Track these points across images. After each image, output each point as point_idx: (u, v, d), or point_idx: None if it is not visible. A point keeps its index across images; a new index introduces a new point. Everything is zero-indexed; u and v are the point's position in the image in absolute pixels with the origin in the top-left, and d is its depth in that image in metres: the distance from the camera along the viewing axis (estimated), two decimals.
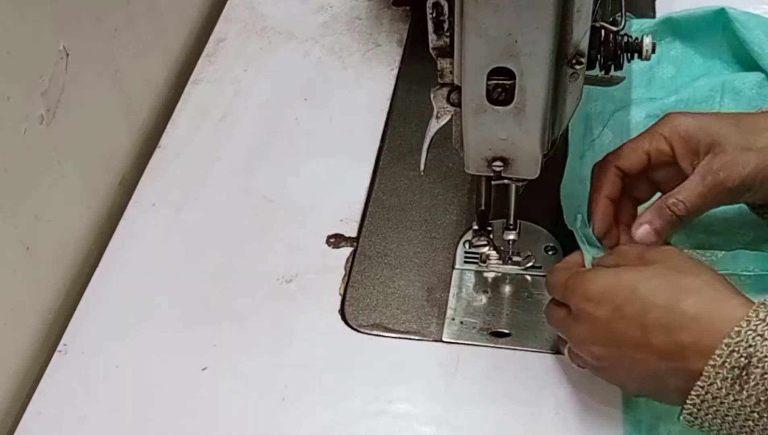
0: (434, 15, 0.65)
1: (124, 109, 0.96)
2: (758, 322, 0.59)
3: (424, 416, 0.74)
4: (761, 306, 0.60)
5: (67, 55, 0.83)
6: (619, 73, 0.78)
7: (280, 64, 1.04)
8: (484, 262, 0.83)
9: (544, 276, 0.81)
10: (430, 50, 0.67)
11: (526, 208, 0.79)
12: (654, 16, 1.03)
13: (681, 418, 0.62)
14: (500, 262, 0.83)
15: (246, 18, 1.10)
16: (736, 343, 0.59)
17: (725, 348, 0.59)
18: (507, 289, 0.82)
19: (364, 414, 0.74)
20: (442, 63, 0.68)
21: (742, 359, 0.58)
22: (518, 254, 0.82)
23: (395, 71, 1.03)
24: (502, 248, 0.82)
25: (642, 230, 0.71)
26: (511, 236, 0.80)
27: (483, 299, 0.81)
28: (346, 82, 1.02)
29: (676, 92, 0.93)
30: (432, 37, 0.66)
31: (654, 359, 0.62)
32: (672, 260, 0.65)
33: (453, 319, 0.80)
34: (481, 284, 0.82)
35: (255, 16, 1.11)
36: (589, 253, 0.72)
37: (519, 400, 0.74)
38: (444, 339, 0.79)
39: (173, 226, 0.89)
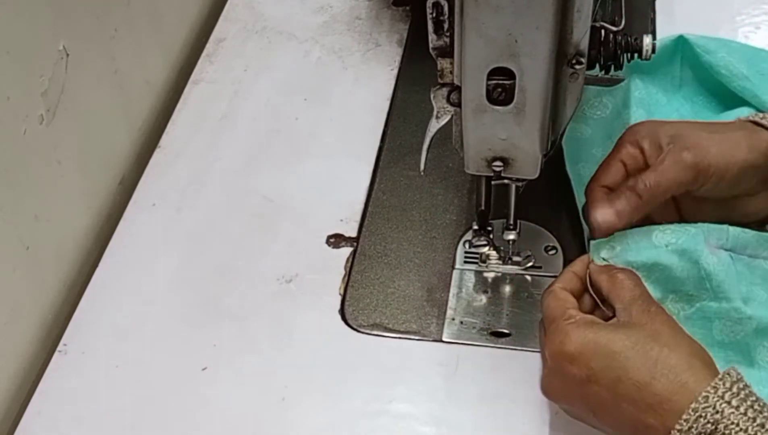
0: (434, 15, 0.65)
1: (124, 109, 0.96)
2: (725, 390, 0.60)
3: (424, 416, 0.74)
4: (727, 375, 0.61)
5: (67, 55, 0.83)
6: (619, 73, 0.78)
7: (280, 64, 1.04)
8: (484, 262, 0.83)
9: (544, 276, 0.82)
10: (430, 50, 0.67)
11: (526, 208, 0.79)
12: (654, 16, 1.03)
13: None
14: (500, 262, 0.83)
15: (246, 18, 1.10)
16: (703, 408, 0.59)
17: (692, 413, 0.60)
18: (507, 289, 0.82)
19: (364, 414, 0.74)
20: (442, 63, 0.68)
21: (709, 425, 0.59)
22: (518, 254, 0.82)
23: (395, 71, 1.03)
24: (502, 248, 0.82)
25: (602, 212, 0.70)
26: (511, 236, 0.80)
27: (483, 299, 0.81)
28: (346, 82, 1.02)
29: None
30: (432, 37, 0.66)
31: (621, 424, 0.64)
32: (654, 326, 0.65)
33: (453, 319, 0.80)
34: (481, 284, 0.82)
35: (255, 16, 1.10)
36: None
37: (519, 400, 0.74)
38: (444, 339, 0.79)
39: (173, 226, 0.89)
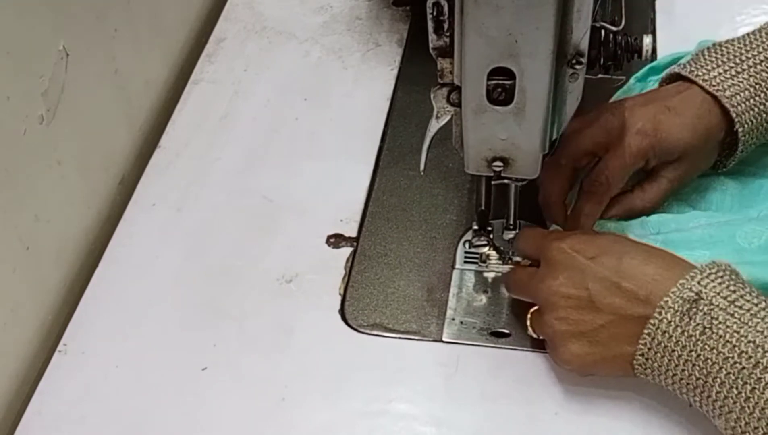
0: (434, 15, 0.65)
1: (124, 109, 0.96)
2: (710, 272, 0.65)
3: (424, 416, 0.74)
4: (714, 264, 0.66)
5: (67, 55, 0.83)
6: (618, 73, 0.78)
7: (280, 64, 1.04)
8: (484, 262, 0.83)
9: None
10: (430, 50, 0.67)
11: (526, 208, 0.79)
12: (654, 16, 1.03)
13: (634, 370, 0.67)
14: (500, 262, 0.83)
15: (246, 18, 1.10)
16: (689, 281, 0.65)
17: (680, 287, 0.65)
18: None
19: (364, 414, 0.74)
20: (442, 63, 0.68)
21: (692, 294, 0.64)
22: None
23: (395, 71, 1.03)
24: (502, 248, 0.82)
25: (582, 221, 0.78)
26: (511, 236, 0.80)
27: (483, 299, 0.81)
28: (346, 82, 1.02)
29: None
30: (432, 37, 0.66)
31: (618, 303, 0.67)
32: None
33: (453, 319, 0.80)
34: (481, 284, 0.82)
35: (255, 16, 1.11)
36: None
37: (519, 400, 0.74)
38: (444, 339, 0.79)
39: (173, 226, 0.89)
